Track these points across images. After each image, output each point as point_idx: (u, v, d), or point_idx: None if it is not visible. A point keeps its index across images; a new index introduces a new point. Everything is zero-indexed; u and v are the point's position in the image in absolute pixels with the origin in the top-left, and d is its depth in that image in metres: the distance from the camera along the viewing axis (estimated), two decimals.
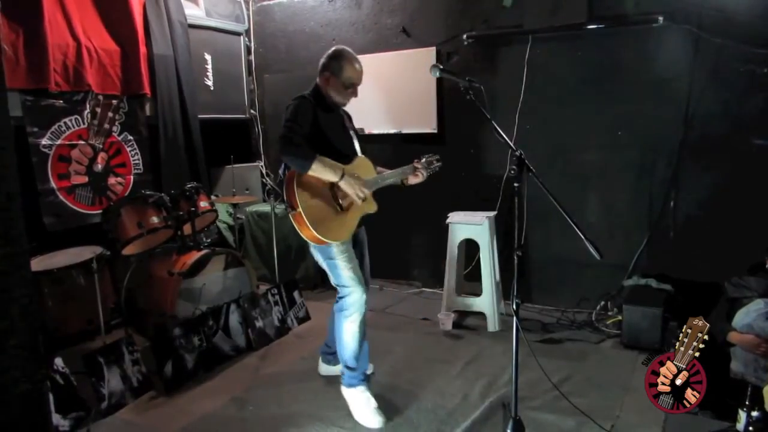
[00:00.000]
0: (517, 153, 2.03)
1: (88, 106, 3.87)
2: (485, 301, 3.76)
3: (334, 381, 2.93)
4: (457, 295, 3.88)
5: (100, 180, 4.00)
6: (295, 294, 3.92)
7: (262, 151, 5.38)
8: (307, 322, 3.91)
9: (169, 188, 3.80)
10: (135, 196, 3.52)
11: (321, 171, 2.39)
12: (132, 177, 4.22)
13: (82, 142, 3.87)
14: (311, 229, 2.38)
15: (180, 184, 3.77)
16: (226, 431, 2.62)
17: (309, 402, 2.85)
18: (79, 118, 3.83)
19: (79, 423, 2.60)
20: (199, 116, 4.64)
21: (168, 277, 3.31)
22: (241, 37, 5.19)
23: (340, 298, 2.66)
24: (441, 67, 2.35)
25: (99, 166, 3.99)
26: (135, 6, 4.06)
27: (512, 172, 3.94)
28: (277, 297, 3.78)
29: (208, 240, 4.29)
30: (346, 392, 2.73)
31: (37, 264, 3.22)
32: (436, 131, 4.36)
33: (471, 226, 3.78)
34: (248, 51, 5.26)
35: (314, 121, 2.51)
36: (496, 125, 2.16)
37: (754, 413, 2.14)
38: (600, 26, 3.64)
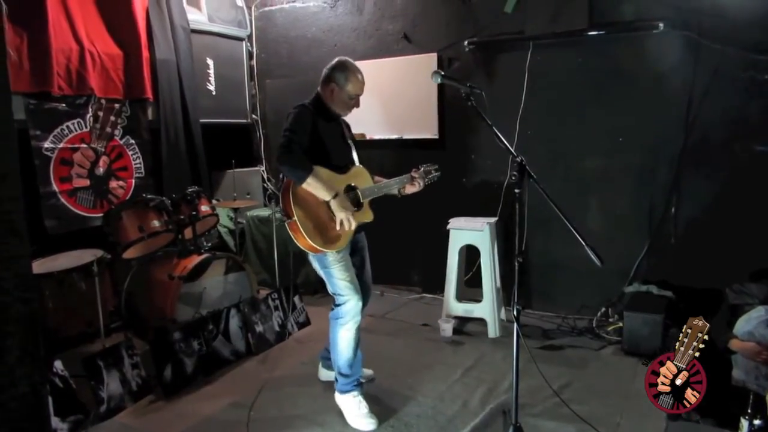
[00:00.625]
0: (519, 159, 2.03)
1: (90, 109, 3.88)
2: (486, 307, 3.75)
3: (333, 386, 2.92)
4: (458, 301, 3.87)
5: (101, 183, 4.01)
6: (296, 299, 3.91)
7: (263, 156, 5.40)
8: (307, 327, 3.91)
9: (170, 192, 3.80)
10: (136, 200, 3.52)
11: (315, 186, 2.39)
12: (133, 180, 4.23)
13: (84, 146, 3.89)
14: (306, 238, 2.40)
15: (181, 188, 3.78)
16: None
17: (308, 407, 2.84)
18: (81, 121, 3.85)
19: (77, 426, 2.59)
20: (201, 121, 4.66)
21: (168, 280, 3.31)
22: (243, 42, 5.21)
23: (336, 305, 2.67)
24: (442, 73, 2.35)
25: (101, 170, 4.00)
26: (138, 11, 4.09)
27: (513, 178, 3.88)
28: (278, 302, 3.78)
29: (209, 244, 4.30)
30: (339, 398, 2.74)
31: (38, 266, 3.22)
32: (437, 137, 4.36)
33: (472, 232, 3.78)
34: (250, 56, 5.28)
35: (313, 130, 2.52)
36: (497, 131, 2.16)
37: (757, 421, 2.12)
38: (601, 33, 3.65)
